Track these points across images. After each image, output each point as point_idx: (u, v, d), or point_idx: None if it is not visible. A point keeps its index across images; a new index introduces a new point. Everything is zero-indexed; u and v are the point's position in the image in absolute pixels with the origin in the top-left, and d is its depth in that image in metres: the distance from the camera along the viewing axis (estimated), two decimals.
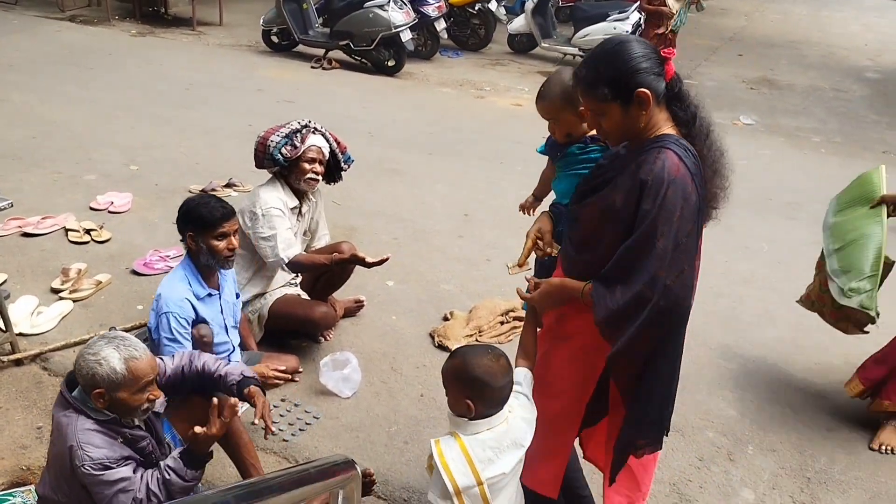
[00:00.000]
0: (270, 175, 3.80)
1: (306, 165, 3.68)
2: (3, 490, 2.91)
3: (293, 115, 7.50)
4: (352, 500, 1.49)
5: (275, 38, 11.11)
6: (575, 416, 2.42)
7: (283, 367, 3.62)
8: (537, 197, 3.22)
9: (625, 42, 2.09)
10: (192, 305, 3.14)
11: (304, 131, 3.69)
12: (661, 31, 9.13)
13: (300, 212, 3.87)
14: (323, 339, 4.00)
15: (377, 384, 3.75)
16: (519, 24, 11.56)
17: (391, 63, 10.38)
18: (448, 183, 6.48)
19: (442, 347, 4.04)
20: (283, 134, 3.64)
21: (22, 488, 2.92)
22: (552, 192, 2.90)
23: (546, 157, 2.96)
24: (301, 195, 3.83)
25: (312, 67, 10.38)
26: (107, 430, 2.33)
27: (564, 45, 11.28)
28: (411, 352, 4.03)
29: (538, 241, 2.61)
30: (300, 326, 3.87)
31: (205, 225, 3.08)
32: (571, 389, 2.38)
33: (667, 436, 2.42)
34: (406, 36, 10.07)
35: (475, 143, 7.46)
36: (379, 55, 10.29)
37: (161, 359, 2.69)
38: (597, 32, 10.75)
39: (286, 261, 3.62)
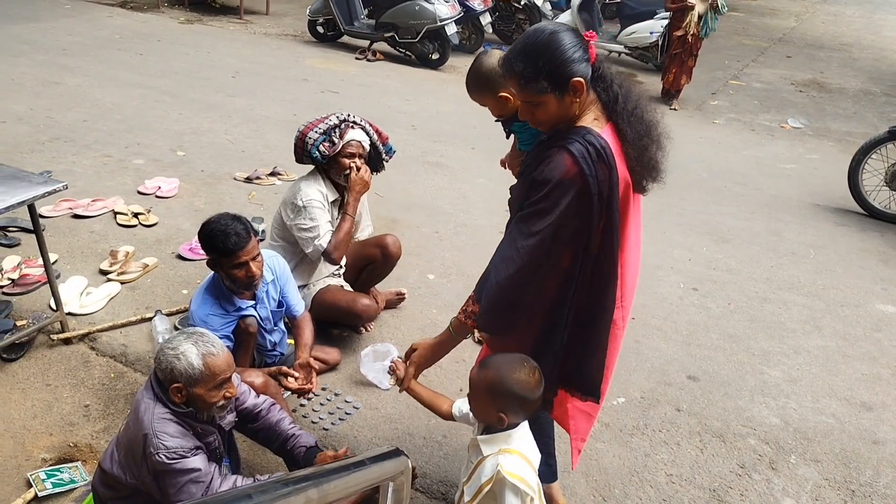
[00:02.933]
0: (313, 167, 3.82)
1: (346, 161, 3.67)
2: (51, 466, 2.98)
3: (337, 106, 7.55)
4: (401, 492, 1.49)
5: (320, 29, 11.19)
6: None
7: (324, 357, 3.68)
8: (509, 164, 3.17)
9: (556, 32, 2.06)
10: (221, 318, 3.12)
11: (342, 126, 3.67)
12: (680, 33, 8.94)
13: (342, 205, 3.87)
14: (364, 331, 4.02)
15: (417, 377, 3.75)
16: (564, 19, 11.44)
17: (435, 56, 10.38)
18: (490, 177, 6.45)
19: (482, 343, 4.03)
20: (321, 130, 3.62)
21: (69, 464, 2.99)
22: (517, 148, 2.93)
23: None
24: (342, 189, 3.84)
25: (357, 59, 10.43)
26: (181, 421, 2.38)
27: (610, 43, 11.16)
28: None
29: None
30: (343, 317, 3.89)
31: (220, 252, 3.01)
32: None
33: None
34: (451, 29, 10.06)
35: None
36: (423, 48, 10.30)
37: (249, 390, 2.76)
38: (643, 30, 10.63)
39: (323, 248, 3.61)
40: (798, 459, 3.45)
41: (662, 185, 2.27)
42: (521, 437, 2.20)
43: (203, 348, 2.36)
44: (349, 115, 3.73)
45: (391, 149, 3.99)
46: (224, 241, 2.97)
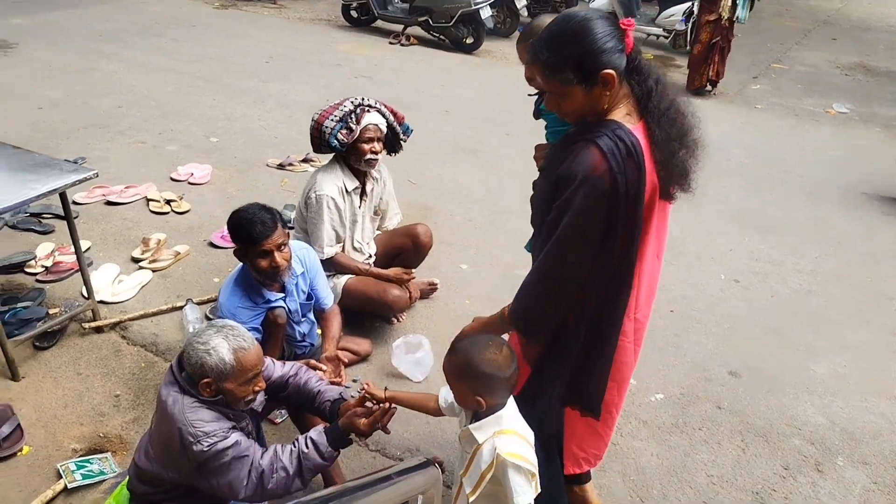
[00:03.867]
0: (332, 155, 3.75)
1: (365, 146, 3.60)
2: (81, 456, 2.97)
3: (370, 92, 7.46)
4: (432, 502, 1.42)
5: (354, 13, 11.11)
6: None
7: (355, 348, 3.63)
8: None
9: (587, 20, 1.91)
10: (248, 310, 3.06)
11: (358, 111, 3.59)
12: (712, 17, 8.63)
13: (363, 191, 3.81)
14: (396, 321, 3.96)
15: None
16: (601, 2, 11.21)
17: (469, 40, 10.24)
18: (525, 164, 6.25)
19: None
20: (337, 118, 3.54)
21: (98, 455, 2.98)
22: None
23: None
24: (363, 175, 3.77)
25: (391, 43, 10.33)
26: (212, 408, 2.32)
27: (648, 26, 10.91)
28: None
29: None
30: (373, 308, 3.82)
31: (245, 241, 2.96)
32: None
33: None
34: (486, 13, 9.91)
35: None
36: (457, 32, 10.16)
37: (272, 362, 2.68)
38: (679, 13, 10.36)
39: (324, 257, 3.60)
40: (845, 461, 3.31)
41: (691, 194, 2.12)
42: (511, 416, 2.14)
43: (234, 343, 2.29)
44: (364, 99, 3.65)
45: (408, 128, 3.91)
46: (249, 230, 2.92)
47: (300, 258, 3.28)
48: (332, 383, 3.08)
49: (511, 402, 2.19)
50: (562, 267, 2.01)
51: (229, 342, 2.28)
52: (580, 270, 2.02)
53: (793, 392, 3.75)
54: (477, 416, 2.17)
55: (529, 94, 2.63)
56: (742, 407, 3.61)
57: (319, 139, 3.59)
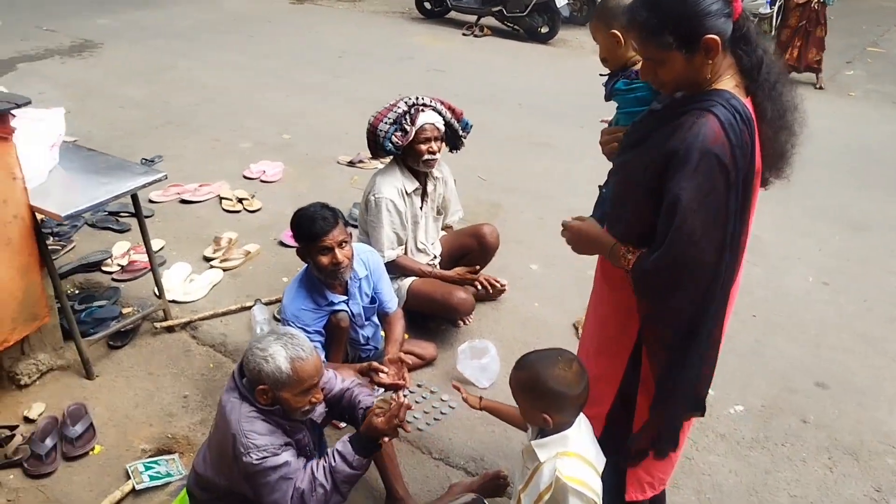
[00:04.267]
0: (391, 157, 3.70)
1: (422, 147, 3.52)
2: (149, 457, 3.01)
3: (442, 85, 7.40)
4: None
5: (427, 5, 11.06)
6: (616, 379, 2.19)
7: (420, 351, 3.57)
8: (614, 123, 2.84)
9: None
10: (311, 312, 3.05)
11: (412, 111, 3.51)
12: (802, 0, 8.14)
13: (424, 192, 3.74)
14: (462, 324, 3.87)
15: None
16: None
17: (544, 30, 10.05)
18: (599, 159, 6.07)
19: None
20: (391, 120, 3.47)
21: (166, 457, 3.01)
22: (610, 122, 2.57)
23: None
24: (423, 175, 3.69)
25: (464, 35, 10.24)
26: (269, 419, 2.31)
27: None
28: (554, 342, 3.72)
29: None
30: (438, 310, 3.75)
31: (306, 238, 2.95)
32: (617, 346, 2.17)
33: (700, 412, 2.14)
34: (561, 1, 9.68)
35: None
36: (532, 21, 9.98)
37: (335, 375, 2.66)
38: None
39: (385, 260, 3.54)
40: None
41: (786, 180, 1.99)
42: (579, 437, 2.05)
43: (292, 352, 2.26)
44: (418, 98, 3.57)
45: (467, 124, 3.81)
46: (310, 226, 2.93)
47: (364, 261, 3.25)
48: (395, 385, 3.04)
49: (581, 421, 2.09)
50: (691, 253, 1.78)
51: (287, 351, 2.26)
52: (711, 256, 1.81)
53: (887, 406, 3.49)
54: (543, 432, 2.09)
55: (601, 74, 2.47)
56: (830, 421, 3.38)
57: (375, 143, 3.54)
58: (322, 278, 3.04)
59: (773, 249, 4.83)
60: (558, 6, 9.68)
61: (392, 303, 3.38)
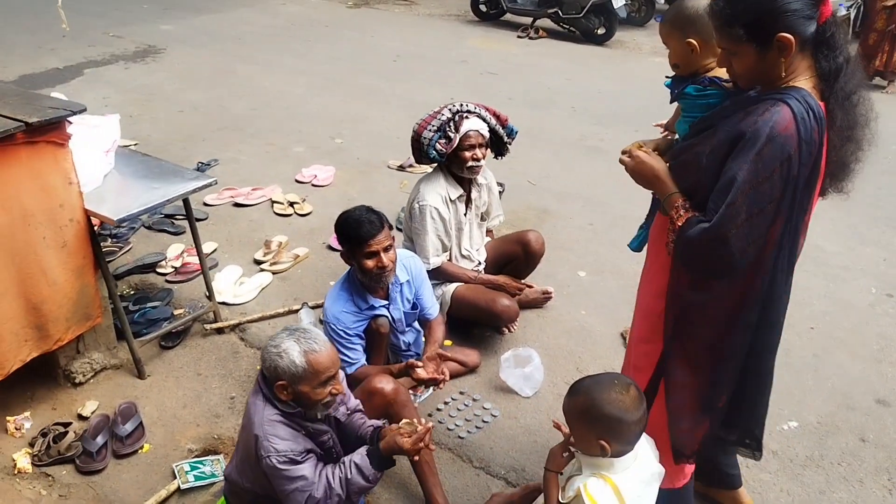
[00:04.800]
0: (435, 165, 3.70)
1: (466, 154, 3.51)
2: (196, 457, 3.06)
3: (496, 89, 7.37)
4: None
5: (483, 7, 11.04)
6: (647, 369, 2.27)
7: (463, 359, 3.55)
8: (668, 128, 2.78)
9: None
10: (353, 315, 3.07)
11: (456, 118, 3.49)
12: (890, 2, 7.77)
13: (468, 199, 3.72)
14: (507, 331, 3.84)
15: (560, 385, 3.53)
16: None
17: (601, 31, 9.92)
18: None
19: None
20: (435, 127, 3.47)
21: (211, 457, 3.06)
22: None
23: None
24: (467, 182, 3.68)
25: (519, 37, 10.18)
26: (291, 423, 2.34)
27: None
28: (600, 352, 3.76)
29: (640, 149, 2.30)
30: (482, 317, 3.72)
31: (352, 241, 2.98)
32: (651, 335, 2.23)
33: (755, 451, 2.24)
34: (618, 2, 9.55)
35: None
36: (588, 23, 9.86)
37: (349, 393, 2.68)
38: None
39: (431, 267, 3.55)
40: None
41: (844, 195, 1.95)
42: (626, 470, 1.98)
43: (305, 345, 2.29)
44: (462, 105, 3.55)
45: (512, 130, 3.77)
46: (356, 230, 2.96)
47: (406, 266, 3.25)
48: (434, 380, 3.03)
49: (640, 458, 2.02)
50: (733, 234, 1.80)
51: (300, 345, 2.29)
52: (750, 242, 1.82)
53: None
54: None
55: (667, 77, 2.43)
56: (890, 441, 3.23)
57: (419, 151, 3.54)
58: (366, 281, 3.06)
59: (834, 259, 4.65)
60: (615, 7, 9.55)
61: (433, 309, 3.38)
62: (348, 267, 3.15)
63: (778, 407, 3.36)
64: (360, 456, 2.39)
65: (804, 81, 1.83)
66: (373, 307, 3.11)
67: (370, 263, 2.97)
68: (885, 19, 7.93)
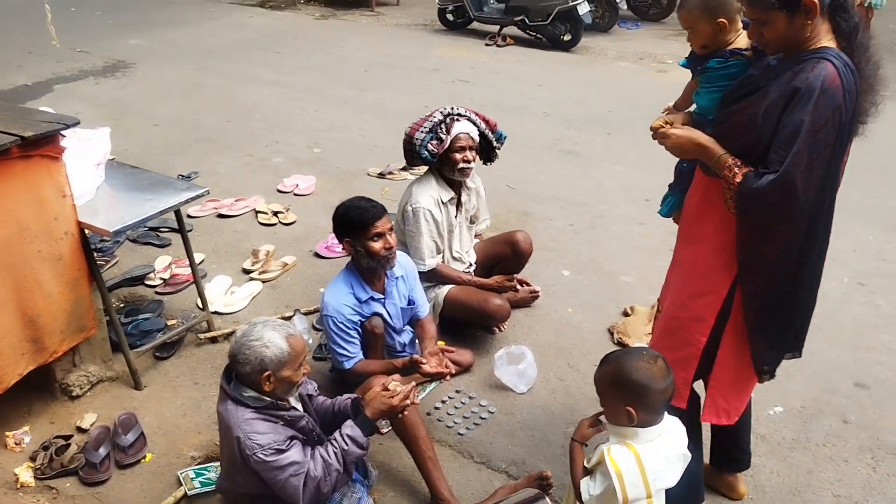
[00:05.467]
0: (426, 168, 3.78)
1: (457, 156, 3.60)
2: (199, 464, 3.08)
3: (468, 95, 7.47)
4: None
5: (450, 17, 11.16)
6: (712, 316, 2.41)
7: (457, 358, 3.61)
8: (678, 108, 2.96)
9: None
10: (353, 309, 3.17)
11: (447, 121, 3.59)
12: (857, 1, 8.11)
13: (459, 202, 3.80)
14: (497, 331, 3.92)
15: (553, 381, 3.62)
16: None
17: (567, 37, 10.09)
18: (628, 165, 6.17)
19: (621, 345, 3.83)
20: (427, 129, 3.56)
21: (215, 463, 3.08)
22: (693, 105, 2.74)
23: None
24: (457, 185, 3.76)
25: (486, 45, 10.31)
26: (267, 416, 2.41)
27: None
28: (589, 348, 3.86)
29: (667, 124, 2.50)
30: (474, 317, 3.80)
31: (358, 228, 3.10)
32: (712, 287, 2.39)
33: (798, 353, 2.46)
34: (583, 9, 9.73)
35: None
36: (555, 30, 10.03)
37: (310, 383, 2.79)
38: None
39: (426, 269, 3.64)
40: None
41: (864, 137, 2.23)
42: (651, 443, 2.08)
43: (283, 331, 2.40)
44: (453, 109, 3.65)
45: (501, 135, 3.87)
46: (362, 215, 3.10)
47: (400, 262, 3.36)
48: (440, 374, 3.15)
49: (666, 432, 2.12)
50: (801, 178, 2.01)
51: (279, 331, 2.40)
52: (814, 184, 2.05)
53: None
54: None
55: (686, 58, 2.65)
56: (871, 421, 3.37)
57: (411, 152, 3.62)
58: (373, 265, 3.17)
59: None
60: (580, 14, 9.73)
61: (425, 307, 3.49)
62: (336, 274, 3.23)
63: (763, 393, 3.47)
64: (349, 427, 2.51)
65: (828, 42, 2.06)
66: (372, 298, 3.21)
67: (377, 246, 3.10)
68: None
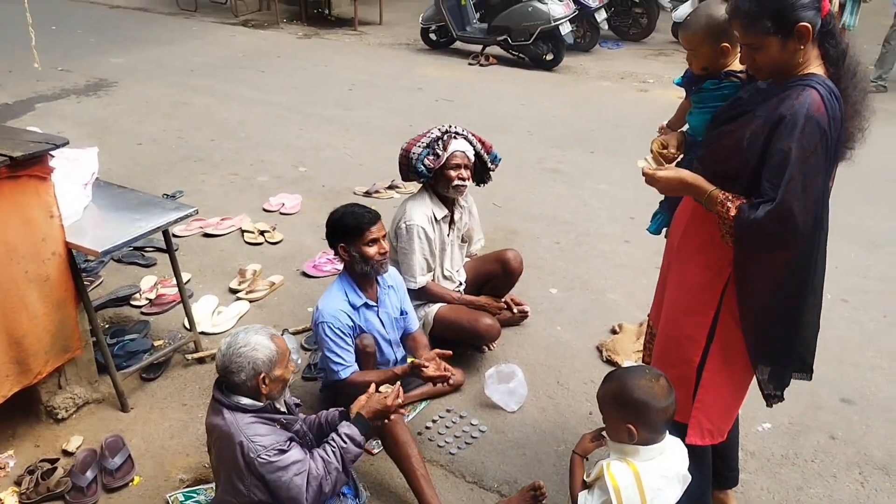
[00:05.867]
0: (420, 185, 3.80)
1: (452, 173, 3.62)
2: (188, 487, 3.05)
3: (452, 114, 7.50)
4: None
5: (433, 36, 11.21)
6: (702, 335, 2.41)
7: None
8: (671, 127, 3.01)
9: None
10: (348, 315, 3.19)
11: (445, 138, 3.63)
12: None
13: (452, 220, 3.82)
14: (487, 349, 3.92)
15: (543, 399, 3.62)
16: (685, 11, 10.92)
17: (549, 57, 10.17)
18: (612, 183, 6.22)
19: (610, 363, 3.85)
20: (424, 144, 3.59)
21: (205, 486, 3.05)
22: (686, 124, 2.81)
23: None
24: (451, 203, 3.78)
25: (470, 64, 10.38)
26: (265, 420, 2.44)
27: None
28: (578, 366, 3.87)
29: (663, 147, 2.60)
30: (465, 336, 3.80)
31: (353, 233, 3.14)
32: (704, 305, 2.39)
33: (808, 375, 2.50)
34: (565, 29, 9.82)
35: (639, 140, 7.03)
36: (537, 49, 10.11)
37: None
38: None
39: (417, 286, 3.66)
40: None
41: (851, 162, 2.24)
42: (651, 461, 2.10)
43: (265, 332, 2.48)
44: (451, 127, 3.68)
45: (496, 157, 3.90)
46: (358, 220, 3.14)
47: (391, 275, 3.42)
48: (443, 376, 3.21)
49: (668, 452, 2.14)
50: (797, 205, 2.02)
51: (262, 333, 2.47)
52: (809, 210, 2.05)
53: None
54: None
55: (682, 77, 2.72)
56: (858, 437, 3.41)
57: (407, 166, 3.64)
58: (367, 270, 3.20)
59: None
60: (562, 34, 9.82)
61: (416, 320, 3.54)
62: (324, 292, 3.27)
63: (751, 410, 3.50)
64: (346, 426, 2.57)
65: (816, 68, 2.10)
66: (366, 305, 3.25)
67: (372, 251, 3.15)
68: None
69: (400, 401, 2.66)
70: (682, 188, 2.29)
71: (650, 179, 2.35)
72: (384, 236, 3.21)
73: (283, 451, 2.39)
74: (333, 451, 2.50)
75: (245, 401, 2.44)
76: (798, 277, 2.20)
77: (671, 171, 2.32)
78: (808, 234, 2.09)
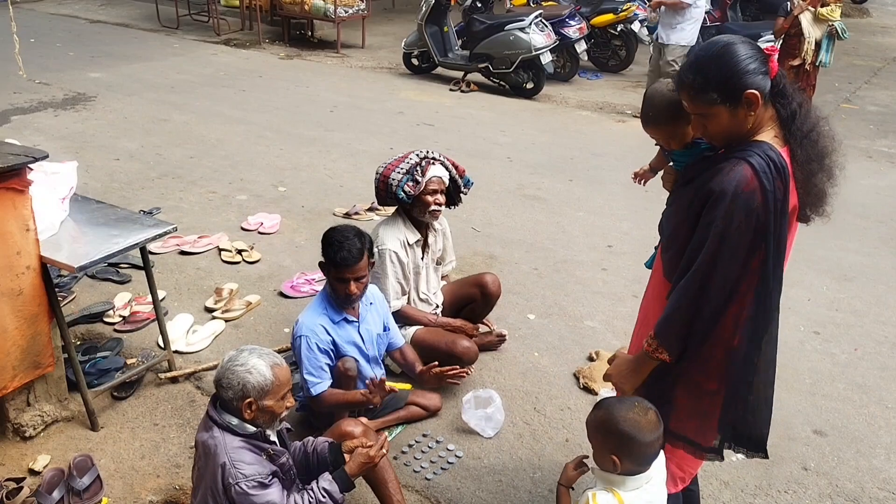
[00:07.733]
0: (394, 209, 3.83)
1: (429, 198, 3.66)
2: None
3: (433, 139, 7.54)
4: None
5: (415, 61, 11.29)
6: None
7: (424, 402, 3.60)
8: (653, 168, 3.04)
9: (731, 44, 2.03)
10: (327, 330, 3.19)
11: (423, 164, 3.65)
12: (796, 62, 8.43)
13: (425, 244, 3.83)
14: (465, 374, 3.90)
15: (520, 425, 3.62)
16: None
17: (529, 85, 10.28)
18: (590, 211, 6.27)
19: (587, 390, 3.86)
20: (404, 170, 3.61)
21: None
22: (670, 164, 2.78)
23: None
24: (424, 227, 3.80)
25: (451, 90, 10.45)
26: (253, 447, 2.40)
27: None
28: (555, 392, 3.87)
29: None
30: (442, 359, 3.76)
31: (329, 262, 3.16)
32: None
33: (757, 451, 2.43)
34: (546, 58, 9.94)
35: (617, 170, 7.15)
36: (518, 77, 10.21)
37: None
38: None
39: (392, 310, 3.66)
40: None
41: (826, 217, 2.19)
42: (637, 490, 2.10)
43: (269, 360, 2.42)
44: (428, 152, 3.72)
45: (468, 181, 3.95)
46: (336, 253, 3.10)
47: (370, 292, 3.42)
48: (461, 374, 3.40)
49: (654, 480, 2.14)
50: (711, 279, 2.04)
51: (265, 360, 2.41)
52: (728, 283, 2.05)
53: (884, 453, 3.56)
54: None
55: (657, 144, 2.71)
56: (830, 468, 3.44)
57: (386, 192, 3.65)
58: (334, 298, 3.22)
59: None
60: (543, 63, 9.94)
61: (400, 337, 3.56)
62: (307, 305, 3.30)
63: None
64: (327, 481, 2.50)
65: (767, 132, 2.08)
66: (346, 320, 3.25)
67: (340, 288, 3.15)
68: (793, 77, 8.53)
69: (385, 451, 2.61)
70: (634, 370, 2.31)
71: (614, 382, 2.42)
72: (360, 277, 3.14)
73: (263, 486, 2.35)
74: (310, 502, 2.46)
75: (235, 422, 2.40)
76: (743, 351, 2.20)
77: (616, 365, 2.38)
78: (721, 306, 2.07)
